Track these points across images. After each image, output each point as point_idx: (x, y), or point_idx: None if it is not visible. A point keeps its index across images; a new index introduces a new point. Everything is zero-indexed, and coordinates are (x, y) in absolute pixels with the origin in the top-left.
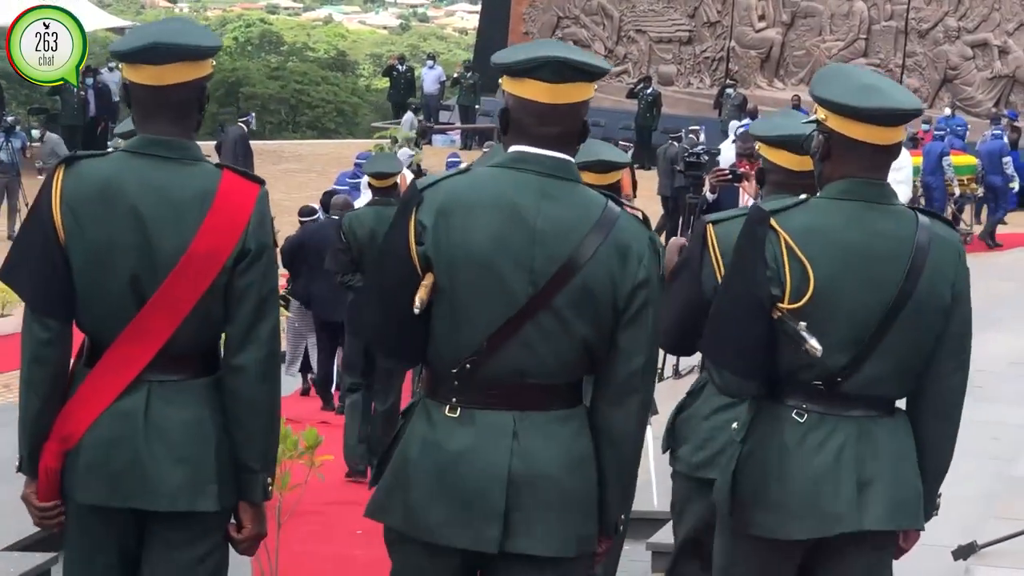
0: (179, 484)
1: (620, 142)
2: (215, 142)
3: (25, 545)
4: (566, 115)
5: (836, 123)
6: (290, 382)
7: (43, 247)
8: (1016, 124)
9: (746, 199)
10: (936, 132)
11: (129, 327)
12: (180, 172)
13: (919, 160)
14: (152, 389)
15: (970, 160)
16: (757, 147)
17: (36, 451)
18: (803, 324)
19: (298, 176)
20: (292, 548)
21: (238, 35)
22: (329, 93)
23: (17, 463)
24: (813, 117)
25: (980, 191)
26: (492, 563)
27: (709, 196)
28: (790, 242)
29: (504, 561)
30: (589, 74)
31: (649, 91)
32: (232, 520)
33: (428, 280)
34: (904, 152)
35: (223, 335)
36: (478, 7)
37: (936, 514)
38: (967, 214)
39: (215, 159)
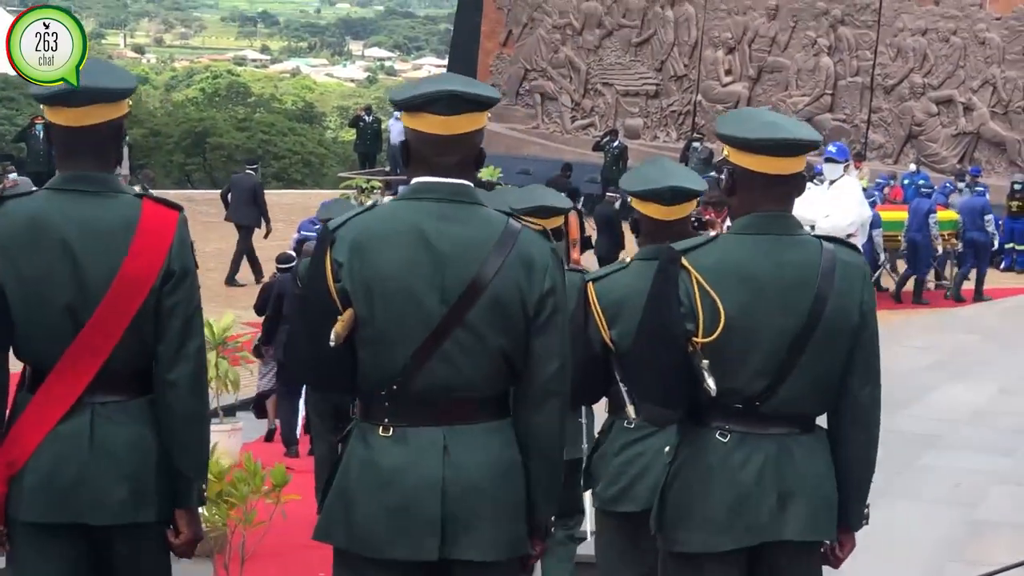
0: (123, 499)
1: (608, 194)
2: (220, 191)
3: None
4: (462, 143)
5: (736, 157)
6: (253, 427)
7: None
8: (979, 180)
9: None
10: (923, 189)
11: (67, 353)
12: (103, 204)
13: (904, 215)
14: (95, 411)
15: (952, 216)
16: (629, 201)
17: None
18: (705, 363)
19: None
20: None
21: (205, 86)
22: (296, 144)
23: None
24: (723, 156)
25: (960, 246)
26: (433, 572)
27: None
28: (700, 279)
29: (444, 569)
30: (480, 104)
31: (616, 144)
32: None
33: (347, 315)
34: (850, 179)
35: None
36: (445, 61)
37: (866, 524)
38: (948, 270)
39: (222, 211)
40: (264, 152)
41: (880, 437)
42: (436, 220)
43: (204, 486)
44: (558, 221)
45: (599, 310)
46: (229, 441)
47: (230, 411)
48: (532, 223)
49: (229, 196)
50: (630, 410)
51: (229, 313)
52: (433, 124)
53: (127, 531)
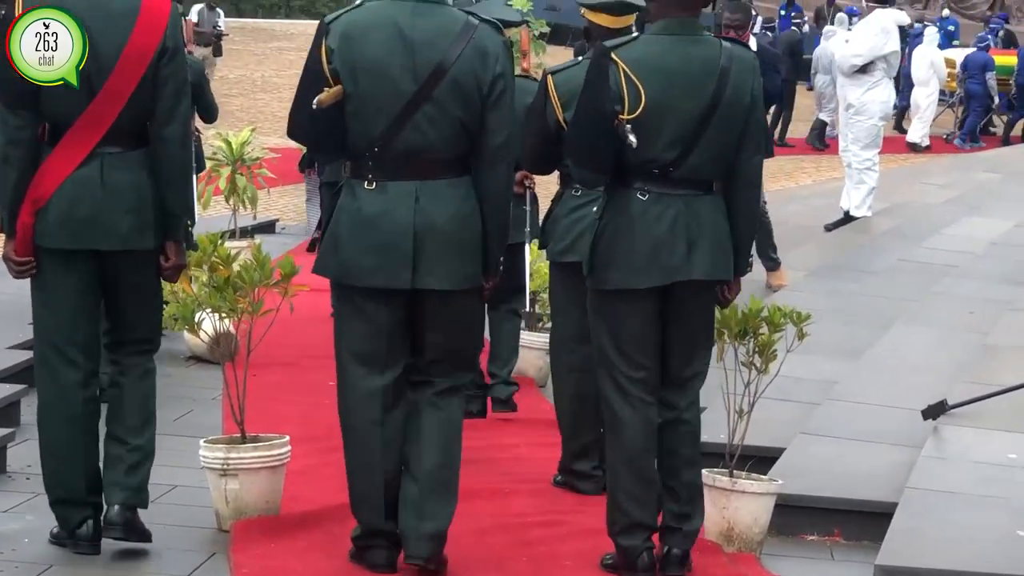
0: (128, 229)
1: None
2: None
3: None
4: None
5: None
6: (272, 248)
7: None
8: (1008, 28)
9: None
10: None
11: (85, 113)
12: None
13: (1014, 60)
14: (105, 159)
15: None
16: (581, 12)
17: (14, 214)
18: (628, 126)
19: (289, 55)
20: (262, 395)
21: None
22: None
23: None
24: None
25: None
26: (411, 300)
27: None
28: (626, 69)
29: (419, 298)
30: None
31: None
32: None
33: (335, 89)
34: (880, 12)
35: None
36: None
37: (750, 270)
38: None
39: (246, 41)
40: None
41: (896, 265)
42: (410, 15)
43: (189, 223)
44: (509, 33)
45: (556, 96)
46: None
47: (247, 231)
48: (486, 19)
49: None
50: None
51: (247, 128)
52: None
53: (131, 256)
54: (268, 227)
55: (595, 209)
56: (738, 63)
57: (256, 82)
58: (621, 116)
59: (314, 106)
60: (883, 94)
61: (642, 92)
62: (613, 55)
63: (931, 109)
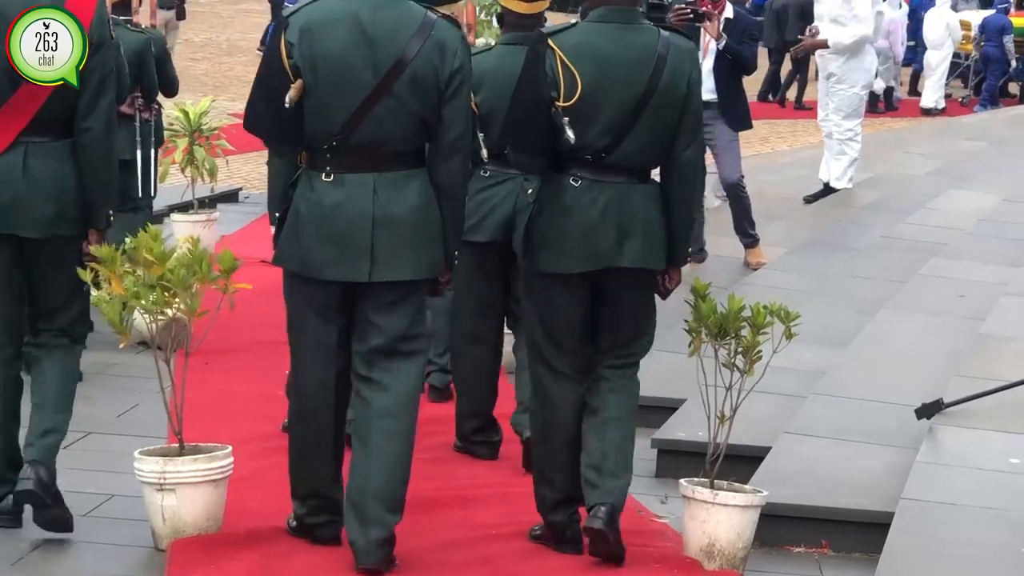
0: (49, 216)
1: None
2: None
3: None
4: None
5: None
6: (232, 219)
7: None
8: None
9: (707, 39)
10: None
11: (6, 105)
12: None
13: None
14: (28, 148)
15: None
16: None
17: None
18: (567, 119)
19: (256, 16)
20: (213, 386)
21: None
22: None
23: None
24: None
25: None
26: (364, 289)
27: None
28: (563, 56)
29: (373, 287)
30: None
31: None
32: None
33: (298, 84)
34: None
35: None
36: None
37: (688, 261)
38: None
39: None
40: None
41: (880, 243)
42: (370, 10)
43: (110, 213)
44: (450, 9)
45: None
46: (205, 232)
47: (206, 203)
48: (445, 14)
49: None
50: (484, 154)
51: (206, 98)
52: None
53: (52, 243)
54: (231, 196)
55: (530, 192)
56: (675, 51)
57: (222, 46)
58: (557, 103)
59: (287, 104)
60: (865, 62)
61: (578, 80)
62: (550, 41)
63: (943, 72)
